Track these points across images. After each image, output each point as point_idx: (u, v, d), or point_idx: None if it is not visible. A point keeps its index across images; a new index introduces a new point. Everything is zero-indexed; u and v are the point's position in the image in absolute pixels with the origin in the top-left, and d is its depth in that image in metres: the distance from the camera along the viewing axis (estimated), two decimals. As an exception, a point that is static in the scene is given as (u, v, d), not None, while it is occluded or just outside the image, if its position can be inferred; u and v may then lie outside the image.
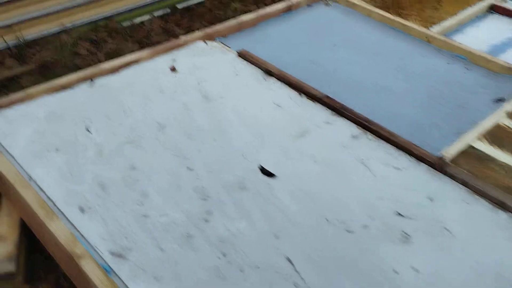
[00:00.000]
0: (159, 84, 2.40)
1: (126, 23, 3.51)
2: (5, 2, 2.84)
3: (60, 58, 3.03)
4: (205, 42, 2.78)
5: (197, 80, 2.46)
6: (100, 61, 3.12)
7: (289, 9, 3.22)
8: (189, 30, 3.64)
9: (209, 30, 2.85)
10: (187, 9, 3.85)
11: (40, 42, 3.10)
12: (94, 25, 3.34)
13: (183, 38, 2.75)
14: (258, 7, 4.05)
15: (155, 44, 3.49)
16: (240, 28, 2.97)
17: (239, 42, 2.87)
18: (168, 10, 3.75)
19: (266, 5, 4.12)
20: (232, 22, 2.95)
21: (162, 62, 2.58)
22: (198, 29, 3.75)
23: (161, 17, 3.70)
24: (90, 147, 1.98)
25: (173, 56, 2.63)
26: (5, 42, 2.95)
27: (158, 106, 2.25)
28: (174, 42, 2.72)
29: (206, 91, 2.38)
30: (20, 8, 2.93)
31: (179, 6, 3.80)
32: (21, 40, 3.00)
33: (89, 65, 3.10)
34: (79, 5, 3.19)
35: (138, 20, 3.58)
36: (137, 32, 3.49)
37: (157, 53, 2.63)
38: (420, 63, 2.72)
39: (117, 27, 3.44)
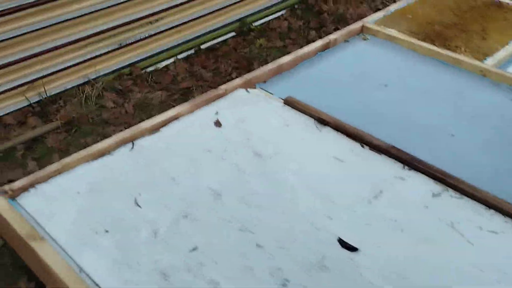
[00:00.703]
0: (205, 143, 2.18)
1: (150, 69, 3.32)
2: (28, 56, 2.64)
3: (86, 113, 2.82)
4: (246, 90, 2.57)
5: (246, 135, 2.24)
6: (128, 113, 2.91)
7: (326, 47, 3.02)
8: (216, 71, 3.45)
9: (248, 76, 2.65)
10: (211, 49, 3.66)
11: (63, 96, 2.90)
12: (117, 73, 3.14)
13: (222, 87, 2.55)
14: (284, 43, 3.88)
15: (183, 90, 3.30)
16: (279, 71, 2.77)
17: (280, 87, 2.66)
18: (192, 52, 3.56)
19: (292, 39, 3.94)
20: (271, 66, 2.74)
21: (204, 116, 2.36)
22: (226, 70, 3.56)
23: (186, 59, 3.51)
24: (142, 225, 1.75)
25: (215, 108, 2.42)
26: (27, 99, 2.74)
27: (209, 169, 2.03)
28: (213, 92, 2.50)
29: (258, 147, 2.16)
30: (43, 62, 2.73)
31: (203, 46, 3.61)
32: (43, 95, 2.79)
33: (117, 118, 2.90)
34: (102, 54, 2.99)
35: (162, 64, 3.39)
36: (163, 77, 3.29)
37: (197, 106, 2.42)
38: (481, 101, 2.50)
39: (141, 73, 3.24)
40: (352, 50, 3.06)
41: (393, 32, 3.12)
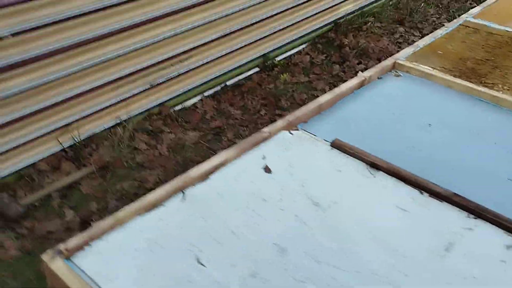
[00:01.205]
0: (258, 191, 2.10)
1: (177, 107, 3.25)
2: (62, 101, 2.56)
3: (119, 156, 2.73)
4: (290, 132, 2.51)
5: (299, 182, 2.16)
6: (162, 155, 2.83)
7: (362, 85, 2.98)
8: (244, 108, 3.39)
9: (290, 117, 2.59)
10: (237, 85, 3.61)
11: (95, 139, 2.81)
12: (147, 113, 3.07)
13: (266, 130, 2.48)
14: (309, 78, 3.84)
15: (215, 129, 3.23)
16: (319, 111, 2.71)
17: (322, 128, 2.60)
18: (219, 88, 3.50)
19: (316, 74, 3.90)
20: (311, 106, 2.68)
21: (252, 161, 2.29)
22: (254, 107, 3.50)
23: (212, 96, 3.45)
24: (210, 286, 1.65)
25: (261, 152, 2.35)
26: (60, 144, 2.65)
27: (269, 221, 1.94)
28: (258, 135, 2.44)
29: (314, 195, 2.08)
30: (76, 106, 2.66)
31: (229, 83, 3.56)
32: (76, 139, 2.71)
33: (152, 161, 2.81)
34: (134, 95, 2.92)
35: (189, 102, 3.33)
36: (191, 116, 3.22)
37: (243, 150, 2.34)
38: (530, 141, 2.47)
39: (171, 113, 3.17)
40: (387, 87, 3.02)
41: (427, 69, 3.09)
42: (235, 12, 3.27)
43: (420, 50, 3.44)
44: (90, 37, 2.52)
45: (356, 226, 1.93)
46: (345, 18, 4.42)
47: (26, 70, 2.33)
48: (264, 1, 3.45)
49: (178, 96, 3.22)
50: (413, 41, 4.29)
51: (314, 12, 4.02)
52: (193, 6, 2.98)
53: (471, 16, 3.93)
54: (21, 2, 2.17)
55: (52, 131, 2.58)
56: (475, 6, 5.22)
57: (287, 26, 3.83)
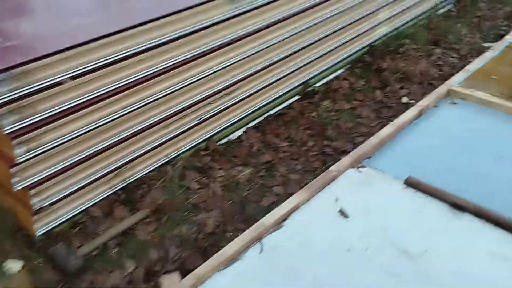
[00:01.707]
0: (339, 239, 1.97)
1: (223, 140, 3.12)
2: (115, 143, 2.43)
3: (173, 197, 2.59)
4: (357, 169, 2.38)
5: (379, 227, 2.03)
6: (216, 195, 2.69)
7: (420, 114, 2.86)
8: (290, 140, 3.25)
9: (354, 154, 2.48)
10: (279, 114, 3.48)
11: (146, 180, 2.68)
12: (195, 149, 2.94)
13: (333, 168, 2.36)
14: (352, 105, 3.71)
15: (266, 164, 3.09)
16: (381, 144, 2.59)
17: (387, 163, 2.47)
18: (262, 119, 3.38)
19: (359, 101, 3.78)
20: (374, 141, 2.58)
21: (324, 204, 2.16)
22: (300, 138, 3.37)
23: (256, 128, 3.31)
24: None
25: (332, 194, 2.22)
26: (112, 187, 2.52)
27: (357, 274, 1.81)
28: (326, 175, 2.32)
29: (400, 242, 1.95)
30: (130, 146, 2.54)
31: (271, 112, 3.43)
32: (128, 181, 2.57)
33: (206, 201, 2.68)
34: (183, 132, 2.80)
35: (235, 135, 3.19)
36: (238, 150, 3.09)
37: (314, 193, 2.22)
38: None
39: (217, 147, 3.04)
40: (445, 116, 2.89)
41: (485, 95, 2.97)
42: (280, 41, 3.17)
43: (472, 76, 3.32)
44: (144, 76, 2.40)
45: (454, 278, 1.79)
46: (380, 40, 4.31)
47: (83, 114, 2.21)
48: (306, 28, 3.35)
49: (223, 129, 3.09)
50: (452, 63, 4.17)
51: (352, 36, 3.91)
52: (243, 37, 2.87)
53: (515, 37, 3.83)
54: (79, 45, 2.06)
55: (104, 174, 2.46)
56: (506, 24, 5.15)
57: (327, 52, 3.71)
